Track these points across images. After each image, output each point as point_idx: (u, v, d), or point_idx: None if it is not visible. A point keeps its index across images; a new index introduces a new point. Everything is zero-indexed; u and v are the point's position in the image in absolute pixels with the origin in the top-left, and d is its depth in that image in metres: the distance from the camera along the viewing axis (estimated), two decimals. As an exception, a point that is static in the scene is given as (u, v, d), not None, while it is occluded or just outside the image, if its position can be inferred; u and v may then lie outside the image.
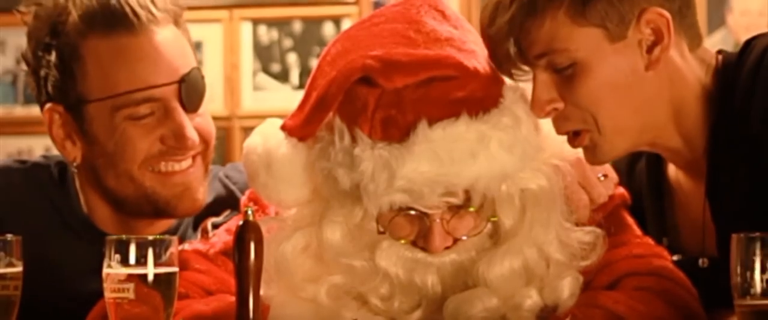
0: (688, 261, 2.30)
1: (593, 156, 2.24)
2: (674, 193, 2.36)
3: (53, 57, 2.46)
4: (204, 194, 2.51)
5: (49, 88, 2.48)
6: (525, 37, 2.15)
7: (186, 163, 2.47)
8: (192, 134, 2.44)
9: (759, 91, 2.16)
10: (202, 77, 2.50)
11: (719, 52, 2.30)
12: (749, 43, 2.24)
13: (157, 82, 2.42)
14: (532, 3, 2.13)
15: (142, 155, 2.44)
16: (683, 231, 2.35)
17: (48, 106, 2.50)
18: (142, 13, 2.42)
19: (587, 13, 2.13)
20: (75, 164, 2.53)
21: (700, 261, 2.30)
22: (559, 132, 2.22)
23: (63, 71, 2.46)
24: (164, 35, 2.45)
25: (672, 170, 2.37)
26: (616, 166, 2.35)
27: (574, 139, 2.22)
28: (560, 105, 2.18)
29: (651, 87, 2.19)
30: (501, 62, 2.18)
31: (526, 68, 2.19)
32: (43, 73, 2.49)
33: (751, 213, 2.17)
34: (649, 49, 2.18)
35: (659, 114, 2.22)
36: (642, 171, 2.41)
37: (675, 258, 2.32)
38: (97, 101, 2.44)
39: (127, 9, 2.42)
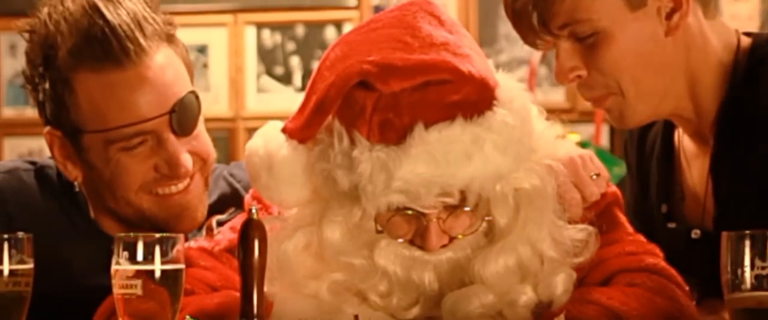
0: (682, 230, 2.30)
1: (619, 120, 2.25)
2: (681, 164, 2.36)
3: (47, 86, 2.43)
4: (203, 211, 2.49)
5: (48, 113, 2.46)
6: (548, 9, 2.15)
7: (183, 185, 2.45)
8: (186, 161, 2.42)
9: (763, 84, 2.16)
10: (197, 98, 2.47)
11: (747, 33, 2.30)
12: None
13: (148, 116, 2.39)
14: None
15: (137, 183, 2.43)
16: (685, 200, 2.35)
17: (47, 129, 2.48)
18: (130, 46, 2.36)
19: None
20: (77, 183, 2.53)
21: (693, 232, 2.30)
22: (584, 97, 2.23)
23: (57, 101, 2.43)
24: (155, 64, 2.40)
25: (684, 141, 2.36)
26: (629, 130, 2.35)
27: (597, 102, 2.22)
28: (583, 72, 2.19)
29: (670, 53, 2.20)
30: (525, 34, 2.18)
31: (548, 38, 2.19)
32: (40, 97, 2.46)
33: (751, 194, 2.17)
34: (668, 16, 2.18)
35: (678, 80, 2.23)
36: (654, 137, 2.40)
37: (671, 225, 2.32)
38: (91, 133, 2.42)
39: (115, 43, 2.36)
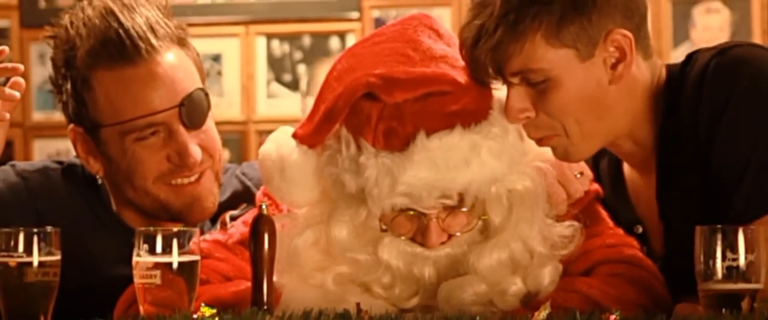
0: (648, 253, 2.30)
1: (564, 158, 2.24)
2: (631, 192, 2.36)
3: (69, 85, 2.46)
4: (214, 202, 2.49)
5: (70, 112, 2.48)
6: (505, 60, 2.13)
7: (194, 177, 2.45)
8: (195, 152, 2.42)
9: (705, 102, 2.15)
10: (206, 95, 2.48)
11: (667, 65, 2.31)
12: (691, 57, 2.24)
13: (158, 108, 2.40)
14: (514, 29, 2.11)
15: (153, 173, 2.43)
16: (646, 231, 2.35)
17: (71, 126, 2.50)
18: (142, 45, 2.39)
19: (561, 36, 2.12)
20: (99, 176, 2.53)
21: (658, 262, 2.30)
22: (530, 136, 2.22)
23: (77, 99, 2.45)
24: (166, 61, 2.42)
25: (628, 170, 2.36)
26: None
27: (542, 141, 2.22)
28: (532, 114, 2.18)
29: (613, 98, 2.19)
30: (479, 75, 2.17)
31: (500, 83, 2.18)
32: (64, 97, 2.48)
33: (696, 212, 2.17)
34: (613, 66, 2.17)
35: (620, 121, 2.22)
36: (604, 170, 2.40)
37: (644, 248, 2.32)
38: (108, 126, 2.43)
39: (128, 43, 2.39)
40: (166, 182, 2.44)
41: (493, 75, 2.15)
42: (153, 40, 2.41)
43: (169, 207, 2.46)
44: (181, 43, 2.47)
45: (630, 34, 2.16)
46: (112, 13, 2.41)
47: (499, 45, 2.12)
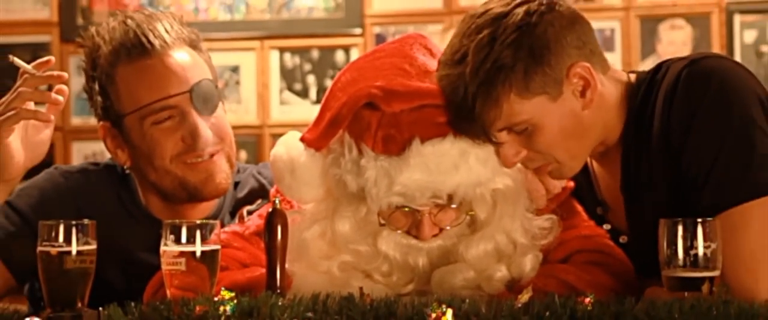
0: (613, 233, 2.31)
1: (560, 177, 2.25)
2: (595, 178, 2.37)
3: (96, 85, 2.49)
4: (226, 180, 2.51)
5: (99, 110, 2.51)
6: (489, 123, 2.13)
7: (208, 156, 2.47)
8: (206, 132, 2.45)
9: (676, 107, 2.15)
10: (216, 86, 2.50)
11: (631, 71, 2.30)
12: (661, 65, 2.23)
13: (171, 93, 2.44)
14: (489, 97, 2.11)
15: (169, 153, 2.45)
16: (609, 210, 2.35)
17: (100, 123, 2.52)
18: (156, 41, 2.44)
19: (530, 87, 2.11)
20: (126, 167, 2.54)
21: (621, 237, 2.30)
22: (527, 168, 2.23)
23: (104, 95, 2.48)
24: (178, 55, 2.47)
25: (592, 158, 2.36)
26: None
27: (539, 170, 2.22)
28: (524, 153, 2.18)
29: (590, 119, 2.18)
30: (467, 133, 2.15)
31: (487, 138, 2.17)
32: (93, 99, 2.51)
33: (659, 197, 2.18)
34: (582, 94, 2.17)
35: (599, 133, 2.22)
36: None
37: (606, 226, 2.32)
38: (130, 114, 2.45)
39: (144, 39, 2.44)
40: (182, 161, 2.46)
41: (481, 135, 2.15)
42: (167, 38, 2.46)
43: (186, 184, 2.47)
44: (192, 45, 2.51)
45: (587, 64, 2.15)
46: (132, 20, 2.48)
47: (481, 115, 2.12)
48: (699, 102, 2.12)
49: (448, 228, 2.18)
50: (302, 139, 2.22)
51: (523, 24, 2.12)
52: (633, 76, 2.27)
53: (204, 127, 2.44)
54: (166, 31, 2.46)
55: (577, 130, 2.16)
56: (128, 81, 2.45)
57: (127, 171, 2.58)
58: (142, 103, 2.43)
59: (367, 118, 2.15)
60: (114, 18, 2.51)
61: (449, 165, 2.13)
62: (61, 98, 2.33)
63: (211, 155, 2.47)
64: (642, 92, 2.22)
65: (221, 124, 2.50)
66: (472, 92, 2.10)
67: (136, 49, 2.44)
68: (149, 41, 2.44)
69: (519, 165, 2.21)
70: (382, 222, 2.18)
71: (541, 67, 2.11)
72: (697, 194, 2.10)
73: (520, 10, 2.13)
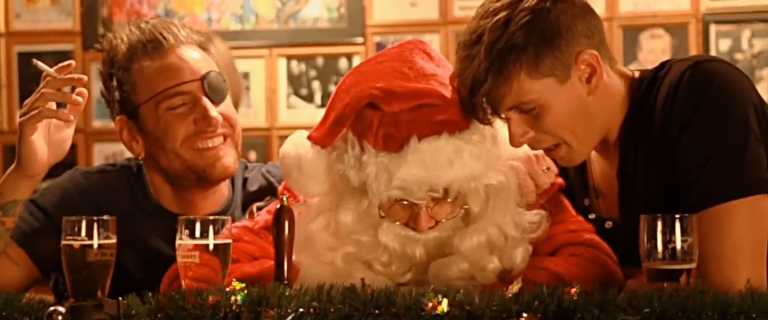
0: (599, 221, 2.31)
1: (569, 162, 2.24)
2: (594, 170, 2.37)
3: (114, 81, 2.50)
4: (234, 164, 2.52)
5: (117, 105, 2.52)
6: (499, 100, 2.13)
7: (217, 141, 2.48)
8: (215, 115, 2.47)
9: (678, 105, 2.14)
10: (224, 80, 2.53)
11: (636, 70, 2.30)
12: (664, 64, 2.23)
13: (184, 80, 2.46)
14: (500, 74, 2.12)
15: (181, 135, 2.47)
16: (599, 198, 2.35)
17: (117, 118, 2.53)
18: (169, 37, 2.48)
19: (540, 69, 2.12)
20: (140, 157, 2.55)
21: (606, 223, 2.30)
22: (533, 149, 2.23)
23: (121, 89, 2.49)
24: (190, 49, 2.50)
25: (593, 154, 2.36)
26: None
27: (550, 151, 2.22)
28: (532, 134, 2.18)
29: (595, 106, 2.19)
30: (480, 118, 2.16)
31: (496, 117, 2.18)
32: (111, 95, 2.52)
33: (649, 193, 2.18)
34: (588, 80, 2.18)
35: (604, 122, 2.22)
36: None
37: (591, 216, 2.32)
38: (145, 102, 2.47)
39: (158, 35, 2.47)
40: (192, 146, 2.47)
41: (491, 114, 2.16)
42: (179, 36, 2.50)
43: (195, 167, 2.48)
44: (203, 46, 2.54)
45: (595, 52, 2.16)
46: (147, 22, 2.51)
47: (492, 90, 2.12)
48: (700, 100, 2.12)
49: (443, 220, 2.18)
50: (309, 137, 2.23)
51: (538, 8, 2.13)
52: (637, 73, 2.27)
53: (214, 112, 2.47)
54: (178, 31, 2.50)
55: (583, 114, 2.16)
56: (145, 73, 2.47)
57: (140, 170, 2.58)
58: (157, 89, 2.46)
59: (369, 117, 2.15)
60: (130, 24, 2.54)
61: (444, 161, 2.13)
62: (80, 99, 2.37)
63: (224, 136, 2.49)
64: (644, 86, 2.22)
65: (230, 112, 2.53)
66: (485, 68, 2.11)
67: (151, 43, 2.47)
68: (164, 37, 2.47)
69: (511, 162, 2.21)
70: (382, 214, 2.18)
71: (551, 50, 2.12)
72: (688, 186, 2.10)
73: None
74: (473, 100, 2.13)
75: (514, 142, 2.17)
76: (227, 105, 2.52)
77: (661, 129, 2.15)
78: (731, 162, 2.08)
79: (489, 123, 2.18)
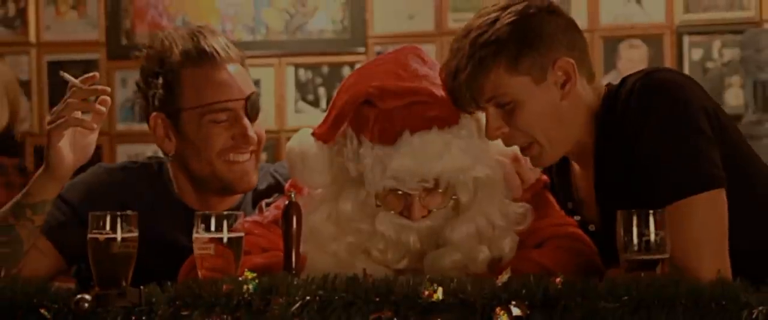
0: (583, 223, 2.31)
1: (539, 163, 2.24)
2: (574, 178, 2.37)
3: (160, 80, 2.49)
4: (256, 178, 2.53)
5: (156, 102, 2.50)
6: (478, 90, 2.14)
7: (245, 157, 2.49)
8: (252, 134, 2.47)
9: (631, 115, 2.14)
10: (259, 99, 2.54)
11: (607, 84, 2.31)
12: (625, 79, 2.24)
13: (231, 98, 2.46)
14: (481, 65, 2.12)
15: (218, 147, 2.46)
16: (583, 204, 2.35)
17: (153, 114, 2.52)
18: (221, 52, 2.47)
19: (519, 67, 2.13)
20: (170, 155, 2.55)
21: (590, 226, 2.30)
22: (507, 146, 2.23)
23: (167, 89, 2.48)
24: (235, 69, 2.49)
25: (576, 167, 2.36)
26: None
27: (524, 150, 2.22)
28: (506, 129, 2.18)
29: (566, 111, 2.18)
30: (462, 106, 2.18)
31: (477, 108, 2.19)
32: (151, 92, 2.51)
33: (624, 194, 2.18)
34: (563, 86, 2.18)
35: (575, 129, 2.22)
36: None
37: (576, 218, 2.32)
38: (190, 109, 2.46)
39: (211, 49, 2.46)
40: (226, 158, 2.47)
41: (471, 103, 2.16)
42: (229, 52, 2.49)
43: (223, 178, 2.48)
44: (242, 62, 2.54)
45: (572, 60, 2.16)
46: (199, 33, 2.50)
47: (471, 78, 2.13)
48: (651, 106, 2.12)
49: (434, 210, 2.18)
50: (313, 134, 2.24)
51: (526, 13, 2.15)
52: (605, 88, 2.27)
53: (251, 130, 2.48)
54: (227, 47, 2.50)
55: (555, 117, 2.16)
56: (195, 82, 2.46)
57: (161, 168, 2.58)
58: (205, 101, 2.45)
59: (366, 113, 2.16)
60: (182, 28, 2.55)
61: (434, 153, 2.13)
62: (103, 108, 2.36)
63: (251, 153, 2.49)
64: (608, 102, 2.22)
65: (260, 131, 2.53)
66: (468, 55, 2.12)
67: (205, 56, 2.46)
68: (216, 52, 2.47)
69: (498, 157, 2.22)
70: (378, 203, 2.18)
71: (530, 51, 2.13)
72: (650, 189, 2.10)
73: (527, 4, 2.16)
74: (454, 86, 2.13)
75: (490, 134, 2.17)
76: (259, 124, 2.53)
77: (622, 139, 2.15)
78: (685, 163, 2.08)
79: (470, 112, 2.18)
